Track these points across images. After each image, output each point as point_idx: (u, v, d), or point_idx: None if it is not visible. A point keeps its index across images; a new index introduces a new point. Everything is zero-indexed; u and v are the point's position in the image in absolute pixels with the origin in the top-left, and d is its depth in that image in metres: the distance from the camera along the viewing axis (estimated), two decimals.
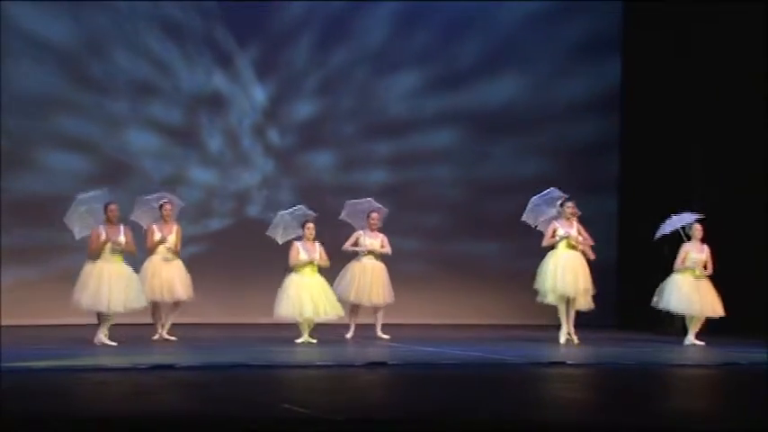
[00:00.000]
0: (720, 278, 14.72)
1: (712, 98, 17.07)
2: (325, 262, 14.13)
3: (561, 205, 14.64)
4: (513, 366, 12.17)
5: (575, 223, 14.59)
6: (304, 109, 17.60)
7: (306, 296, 13.90)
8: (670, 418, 8.78)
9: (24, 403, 8.68)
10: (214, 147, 17.22)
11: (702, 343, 14.67)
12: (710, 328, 14.98)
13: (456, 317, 17.43)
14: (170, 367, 11.11)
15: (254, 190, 17.39)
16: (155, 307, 14.19)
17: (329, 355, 12.73)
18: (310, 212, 14.24)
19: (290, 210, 14.34)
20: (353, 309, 14.93)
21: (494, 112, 18.17)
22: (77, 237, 13.58)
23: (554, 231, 14.52)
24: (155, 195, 14.45)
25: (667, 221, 14.83)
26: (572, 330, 14.64)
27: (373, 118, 17.84)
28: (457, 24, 18.09)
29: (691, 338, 14.76)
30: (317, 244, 14.11)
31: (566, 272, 14.40)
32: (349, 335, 14.81)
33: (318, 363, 12.03)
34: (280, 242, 14.25)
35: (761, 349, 13.33)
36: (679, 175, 17.15)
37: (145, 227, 14.24)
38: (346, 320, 14.80)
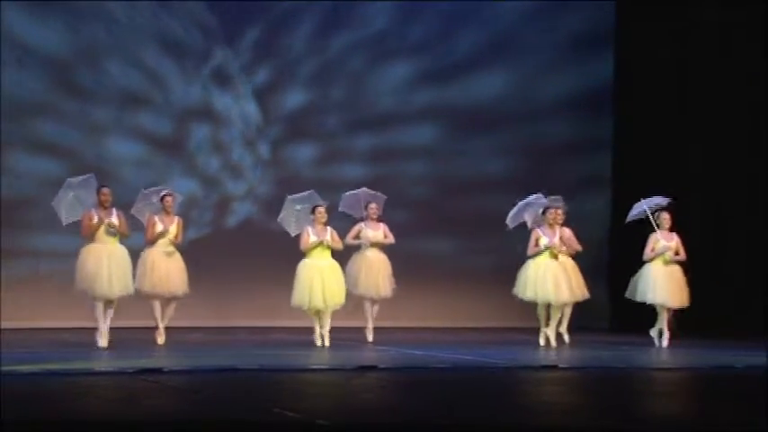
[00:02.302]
0: (718, 279, 14.69)
1: (707, 95, 16.99)
2: (337, 243, 13.97)
3: (543, 213, 14.58)
4: (505, 370, 12.11)
5: (557, 230, 14.53)
6: (294, 99, 17.58)
7: (317, 284, 13.76)
8: (662, 421, 8.74)
9: (12, 408, 8.59)
10: (200, 157, 17.15)
11: (667, 334, 14.63)
12: (709, 330, 14.94)
13: (430, 319, 17.33)
14: (159, 371, 11.03)
15: (239, 199, 17.31)
16: (154, 302, 14.04)
17: (319, 359, 12.68)
18: (321, 201, 14.06)
19: (300, 195, 14.15)
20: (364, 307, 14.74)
21: (484, 107, 18.12)
22: (64, 222, 13.53)
23: (537, 240, 14.47)
24: (155, 188, 14.39)
25: (636, 205, 14.82)
26: (552, 335, 14.60)
27: (360, 111, 17.82)
28: (452, 19, 18.07)
29: (663, 328, 14.72)
30: (329, 228, 13.97)
31: (546, 279, 14.35)
32: (370, 337, 14.69)
33: (309, 366, 11.98)
34: (292, 234, 14.07)
35: (757, 352, 13.28)
36: (673, 174, 17.05)
37: (144, 220, 14.16)
38: (349, 323, 14.66)
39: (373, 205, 14.70)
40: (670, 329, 14.72)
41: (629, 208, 15.53)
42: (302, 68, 17.62)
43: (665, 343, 14.65)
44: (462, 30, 18.13)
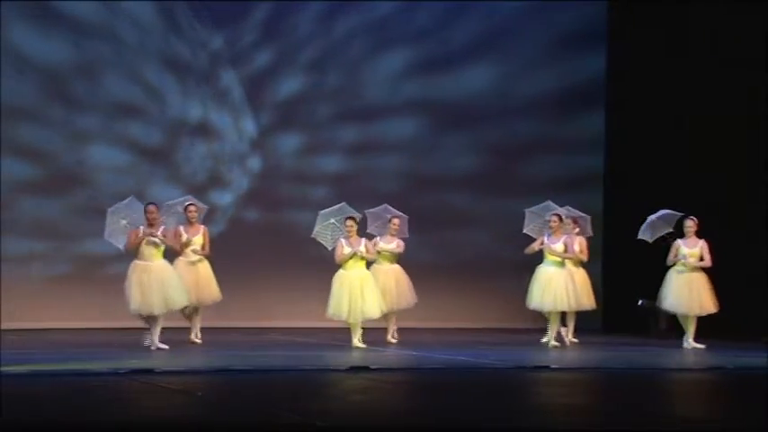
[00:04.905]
0: (718, 281, 14.66)
1: (702, 91, 16.91)
2: (372, 255, 13.98)
3: (547, 219, 14.67)
4: (499, 371, 12.14)
5: (562, 237, 14.60)
6: (288, 87, 17.60)
7: (345, 298, 13.76)
8: (662, 422, 8.77)
9: (12, 408, 8.65)
10: (186, 168, 17.14)
11: (702, 346, 14.56)
12: (710, 332, 14.94)
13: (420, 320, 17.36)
14: (154, 372, 11.07)
15: (227, 201, 17.34)
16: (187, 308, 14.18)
17: (313, 359, 12.72)
18: (354, 212, 14.02)
19: (332, 209, 14.10)
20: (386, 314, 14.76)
21: (475, 102, 18.10)
22: (123, 249, 13.63)
23: (541, 242, 14.57)
24: (179, 200, 14.48)
25: (647, 222, 14.85)
26: (567, 334, 14.75)
27: (349, 102, 17.80)
28: (448, 13, 18.02)
29: (690, 341, 14.71)
30: (363, 239, 13.95)
31: (545, 292, 14.45)
32: (389, 336, 14.76)
33: (302, 367, 12.00)
34: (329, 248, 14.03)
35: (755, 353, 13.30)
36: (667, 174, 16.99)
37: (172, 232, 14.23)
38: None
39: (396, 221, 14.73)
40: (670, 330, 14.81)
41: (622, 206, 15.50)
42: (301, 54, 17.64)
43: (693, 345, 14.67)
44: (457, 25, 18.10)
